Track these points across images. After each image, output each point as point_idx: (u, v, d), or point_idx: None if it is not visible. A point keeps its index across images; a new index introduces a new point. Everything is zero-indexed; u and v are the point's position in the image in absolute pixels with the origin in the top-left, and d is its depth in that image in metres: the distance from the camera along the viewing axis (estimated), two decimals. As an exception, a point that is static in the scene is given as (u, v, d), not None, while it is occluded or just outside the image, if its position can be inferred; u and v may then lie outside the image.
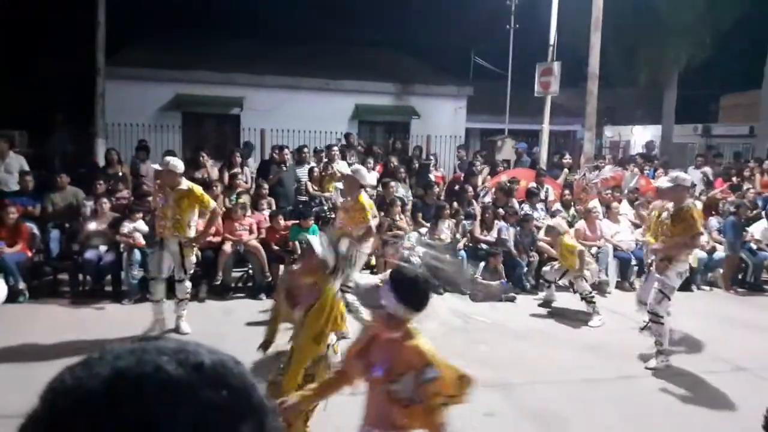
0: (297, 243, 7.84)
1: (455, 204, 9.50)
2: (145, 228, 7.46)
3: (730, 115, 22.63)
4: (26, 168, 8.94)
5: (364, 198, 6.38)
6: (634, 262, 8.89)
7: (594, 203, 8.95)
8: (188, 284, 6.31)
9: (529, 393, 5.16)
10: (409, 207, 9.29)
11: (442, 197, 10.20)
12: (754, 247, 9.33)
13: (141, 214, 7.57)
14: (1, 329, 6.18)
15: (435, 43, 20.54)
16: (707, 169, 11.97)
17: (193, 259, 6.43)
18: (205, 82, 14.89)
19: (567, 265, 7.45)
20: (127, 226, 7.41)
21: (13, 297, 7.05)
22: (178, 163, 6.21)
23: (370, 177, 6.47)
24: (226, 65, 15.11)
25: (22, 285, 7.12)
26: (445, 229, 8.79)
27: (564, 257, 7.46)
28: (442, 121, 16.40)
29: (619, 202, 9.53)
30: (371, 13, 20.42)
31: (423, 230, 8.96)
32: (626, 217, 9.39)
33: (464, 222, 9.09)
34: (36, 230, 7.71)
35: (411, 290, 2.47)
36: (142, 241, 7.37)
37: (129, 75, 14.13)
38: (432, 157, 12.10)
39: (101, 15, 11.53)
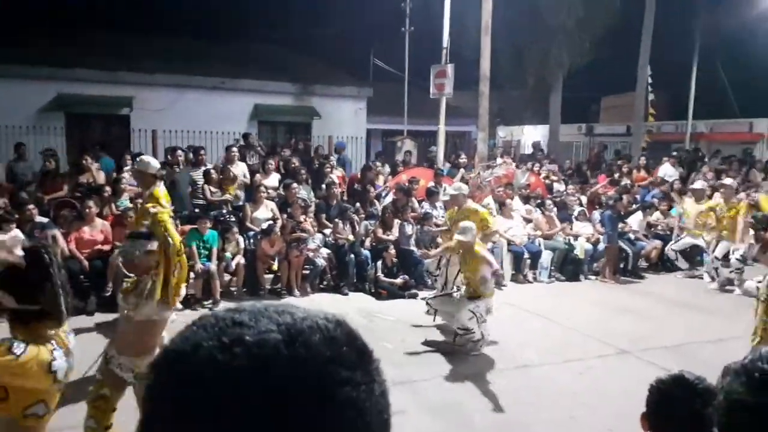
0: (194, 248, 7.57)
1: (357, 204, 9.57)
2: (22, 237, 6.87)
3: (609, 115, 24.39)
4: None
5: (160, 190, 5.45)
6: (526, 255, 9.38)
7: (488, 200, 9.31)
8: None
9: (434, 388, 5.28)
10: (312, 208, 9.23)
11: (344, 197, 10.22)
12: (633, 237, 10.10)
13: (15, 224, 6.97)
14: None
15: (333, 43, 20.55)
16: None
17: None
18: (89, 80, 13.96)
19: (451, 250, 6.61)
20: None
21: None
22: None
23: (155, 163, 5.73)
24: (113, 63, 14.25)
25: None
26: (348, 229, 8.83)
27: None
28: (343, 121, 16.41)
29: (512, 198, 9.98)
30: (266, 12, 20.08)
31: (327, 231, 8.94)
32: (518, 213, 9.85)
33: (366, 222, 9.16)
34: None
35: (14, 271, 2.17)
36: (19, 253, 6.78)
37: (2, 73, 13.00)
38: (332, 157, 12.08)
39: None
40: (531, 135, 22.61)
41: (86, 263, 7.21)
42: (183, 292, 3.53)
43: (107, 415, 3.36)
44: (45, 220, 7.61)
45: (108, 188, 8.47)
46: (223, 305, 5.89)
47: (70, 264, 6.97)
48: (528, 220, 9.89)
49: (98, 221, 7.60)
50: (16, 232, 6.93)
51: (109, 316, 6.86)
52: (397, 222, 9.01)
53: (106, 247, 7.40)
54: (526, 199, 10.42)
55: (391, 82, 21.02)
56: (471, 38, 13.38)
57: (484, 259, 6.05)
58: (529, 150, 17.97)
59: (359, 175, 11.21)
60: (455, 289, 6.56)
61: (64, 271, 2.25)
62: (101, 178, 9.21)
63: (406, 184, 10.03)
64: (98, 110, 14.40)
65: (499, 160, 11.04)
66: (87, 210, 7.52)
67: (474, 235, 6.10)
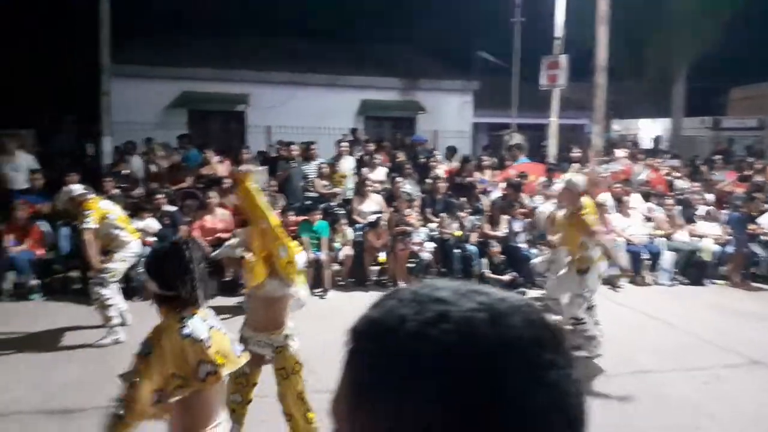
0: (307, 239, 7.83)
1: (463, 198, 9.45)
2: (156, 226, 7.44)
3: (739, 107, 22.40)
4: (35, 166, 8.95)
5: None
6: (646, 255, 8.83)
7: (604, 197, 8.86)
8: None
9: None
10: (417, 202, 9.25)
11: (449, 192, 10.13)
12: (766, 240, 9.20)
13: (151, 213, 7.56)
14: (14, 326, 6.20)
15: (439, 37, 20.42)
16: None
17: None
18: (210, 79, 14.86)
19: (568, 247, 5.84)
20: (136, 224, 7.39)
21: (25, 294, 7.13)
22: None
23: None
24: (231, 62, 15.07)
25: (34, 282, 7.17)
26: (456, 224, 8.77)
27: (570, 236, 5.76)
28: (448, 115, 16.33)
29: (629, 195, 9.43)
30: (374, 9, 20.35)
31: (432, 225, 8.93)
32: (637, 211, 9.30)
33: (471, 218, 9.03)
34: (46, 228, 7.72)
35: (158, 263, 2.48)
36: (153, 239, 7.36)
37: (134, 73, 14.10)
38: (436, 152, 12.00)
39: (105, 12, 11.49)
40: (649, 129, 21.26)
41: (209, 250, 7.66)
42: (300, 265, 3.69)
43: (248, 389, 3.64)
44: (173, 208, 8.18)
45: (227, 180, 8.94)
46: (332, 294, 6.06)
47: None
48: (648, 219, 9.31)
49: (219, 211, 8.06)
50: (152, 221, 7.52)
51: (229, 300, 7.26)
52: (505, 218, 8.82)
53: (227, 235, 7.81)
54: (646, 197, 9.80)
55: (498, 74, 20.59)
56: (584, 27, 12.80)
57: (586, 223, 5.44)
58: (647, 145, 16.90)
59: (459, 168, 11.03)
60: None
61: (203, 265, 2.50)
62: (221, 170, 9.75)
63: (515, 178, 9.77)
64: (217, 107, 15.29)
65: (620, 153, 10.41)
66: (209, 200, 8.00)
67: (581, 187, 5.60)
